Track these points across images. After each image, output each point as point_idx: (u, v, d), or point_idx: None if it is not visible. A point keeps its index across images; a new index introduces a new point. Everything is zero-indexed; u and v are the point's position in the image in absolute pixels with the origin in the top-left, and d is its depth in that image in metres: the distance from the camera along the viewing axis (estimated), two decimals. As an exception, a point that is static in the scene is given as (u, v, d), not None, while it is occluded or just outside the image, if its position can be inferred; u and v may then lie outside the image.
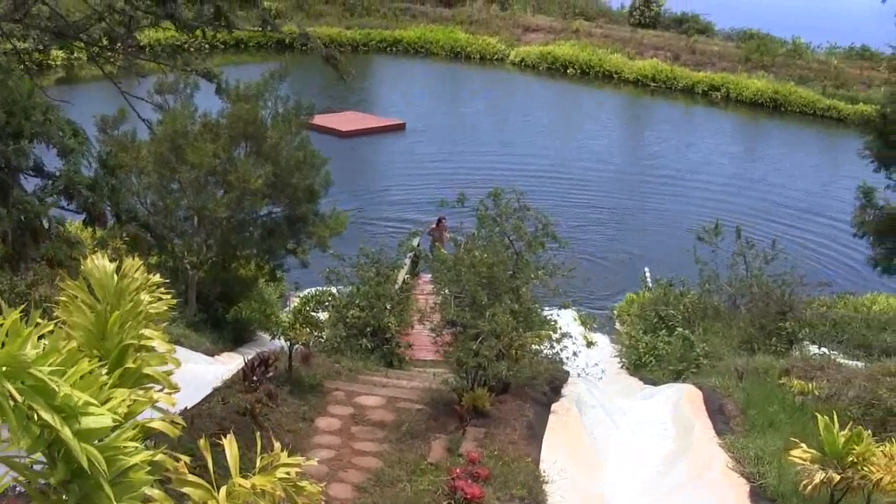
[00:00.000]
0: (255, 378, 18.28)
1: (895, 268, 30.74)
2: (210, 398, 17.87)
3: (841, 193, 48.78)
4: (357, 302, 25.62)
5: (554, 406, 19.95)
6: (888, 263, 30.79)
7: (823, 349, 25.56)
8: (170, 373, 6.04)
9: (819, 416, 14.04)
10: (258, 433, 6.36)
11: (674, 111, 78.45)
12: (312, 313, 20.14)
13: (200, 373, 20.32)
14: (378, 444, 17.50)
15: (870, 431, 13.81)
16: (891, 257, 30.57)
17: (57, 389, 4.43)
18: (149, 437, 7.23)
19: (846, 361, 23.53)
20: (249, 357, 19.98)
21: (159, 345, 6.00)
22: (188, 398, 17.40)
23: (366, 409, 19.07)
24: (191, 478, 5.58)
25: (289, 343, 19.92)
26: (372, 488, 15.72)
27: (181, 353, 21.21)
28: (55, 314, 5.99)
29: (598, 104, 78.97)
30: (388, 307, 25.83)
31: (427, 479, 15.31)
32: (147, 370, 5.77)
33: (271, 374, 18.80)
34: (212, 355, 24.15)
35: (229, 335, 27.91)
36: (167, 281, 7.14)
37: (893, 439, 13.53)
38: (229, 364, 21.97)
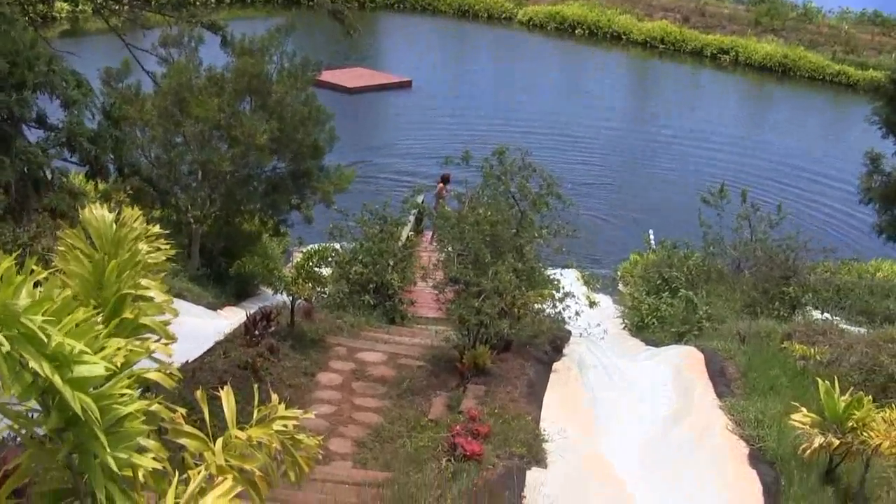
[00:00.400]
0: (256, 332, 18.30)
1: (901, 235, 30.68)
2: (211, 352, 17.91)
3: (848, 160, 48.52)
4: (360, 258, 25.56)
5: (555, 365, 19.97)
6: (894, 230, 30.70)
7: (826, 314, 25.55)
8: (167, 323, 6.01)
9: (820, 381, 14.04)
10: (256, 386, 6.32)
11: (682, 74, 78.17)
12: (315, 269, 20.08)
13: (202, 326, 20.34)
14: (379, 400, 17.54)
15: (870, 397, 13.81)
16: (896, 224, 30.51)
17: (48, 338, 4.41)
18: (150, 390, 7.23)
19: (849, 327, 23.51)
20: (252, 311, 20.01)
21: (157, 294, 5.97)
22: (190, 352, 17.43)
23: (367, 365, 19.10)
24: (187, 429, 5.57)
25: (291, 298, 19.92)
26: (372, 444, 15.77)
27: (183, 306, 21.34)
28: (53, 263, 5.97)
29: (605, 65, 78.69)
30: (391, 264, 25.77)
31: (427, 436, 15.35)
32: (144, 320, 5.74)
33: (273, 328, 18.82)
34: (214, 309, 24.17)
35: (232, 289, 27.93)
36: (167, 232, 7.09)
37: (893, 405, 13.51)
38: (231, 318, 22.01)
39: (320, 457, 6.36)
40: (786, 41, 78.67)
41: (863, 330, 23.06)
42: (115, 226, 6.04)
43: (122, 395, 4.80)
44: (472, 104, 61.93)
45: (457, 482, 13.00)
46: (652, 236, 36.62)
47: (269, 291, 25.08)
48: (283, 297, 20.85)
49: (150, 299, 5.95)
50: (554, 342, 21.05)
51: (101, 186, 23.86)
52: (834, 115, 68.61)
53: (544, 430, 15.82)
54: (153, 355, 5.69)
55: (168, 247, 6.46)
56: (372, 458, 15.27)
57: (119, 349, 4.98)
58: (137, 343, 5.53)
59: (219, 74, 27.51)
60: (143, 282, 5.94)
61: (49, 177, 17.15)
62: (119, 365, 4.94)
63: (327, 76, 53.20)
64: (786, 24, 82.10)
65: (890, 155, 30.82)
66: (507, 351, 19.40)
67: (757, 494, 13.79)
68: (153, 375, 5.47)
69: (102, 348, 4.84)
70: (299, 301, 20.16)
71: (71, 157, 17.72)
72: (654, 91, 73.39)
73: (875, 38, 78.91)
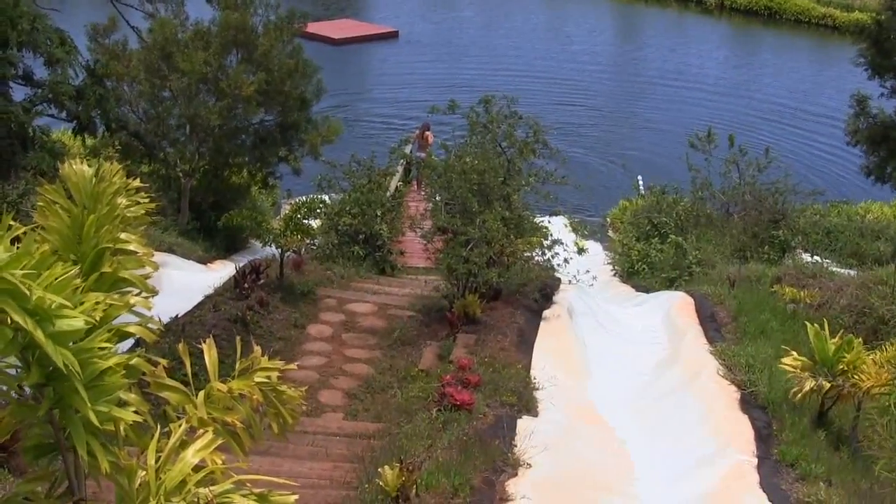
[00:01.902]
0: (246, 285, 18.31)
1: (888, 176, 30.61)
2: (201, 306, 17.92)
3: (834, 102, 48.49)
4: (349, 209, 25.55)
5: (545, 313, 19.96)
6: (881, 172, 30.64)
7: (816, 257, 25.55)
8: (147, 276, 5.99)
9: (809, 324, 14.06)
10: (238, 338, 6.31)
11: (667, 18, 77.86)
12: (304, 220, 20.06)
13: (192, 281, 20.34)
14: (369, 351, 17.58)
15: (860, 339, 13.84)
16: (884, 166, 30.39)
17: (29, 292, 4.39)
18: (139, 345, 7.22)
19: (839, 270, 23.52)
20: (241, 265, 20.01)
21: (137, 248, 5.94)
22: (180, 306, 17.44)
23: (357, 316, 19.12)
24: (169, 382, 5.55)
25: (280, 250, 19.91)
26: (363, 395, 15.82)
27: (173, 261, 21.33)
28: (34, 219, 5.94)
29: (591, 11, 78.32)
30: (379, 214, 25.74)
31: (418, 386, 15.40)
32: (123, 274, 5.71)
33: (263, 281, 18.83)
34: (204, 263, 24.18)
35: (222, 243, 27.94)
36: (155, 187, 7.07)
37: (884, 347, 13.54)
38: (221, 272, 21.98)
39: (305, 408, 6.35)
40: (772, -17, 78.32)
41: (853, 272, 23.08)
42: (94, 180, 6.00)
43: (102, 349, 4.79)
44: (458, 53, 61.90)
45: (447, 432, 13.01)
46: (641, 182, 36.60)
47: (259, 244, 25.09)
48: (273, 250, 20.85)
49: (131, 253, 5.92)
50: (544, 290, 21.03)
51: (89, 142, 23.83)
52: (820, 58, 68.40)
53: (535, 379, 15.82)
54: (134, 309, 5.66)
55: (149, 200, 6.40)
56: (363, 409, 15.32)
57: (98, 303, 4.96)
58: (117, 297, 5.51)
59: (205, 28, 27.45)
60: (123, 236, 5.90)
61: (32, 135, 17.10)
62: (98, 319, 4.92)
63: (313, 28, 52.81)
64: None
65: (876, 97, 30.75)
66: (496, 300, 19.39)
67: (749, 439, 13.80)
68: (133, 329, 5.46)
69: (81, 303, 4.82)
70: (288, 253, 20.15)
71: (58, 113, 17.68)
72: (640, 37, 73.16)
73: (860, -21, 78.65)
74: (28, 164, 16.99)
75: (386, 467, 10.28)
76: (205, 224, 28.05)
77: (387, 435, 13.35)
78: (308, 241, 20.93)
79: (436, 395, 14.40)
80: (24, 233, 4.94)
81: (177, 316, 16.61)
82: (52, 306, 4.49)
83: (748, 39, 73.63)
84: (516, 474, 12.19)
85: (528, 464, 12.46)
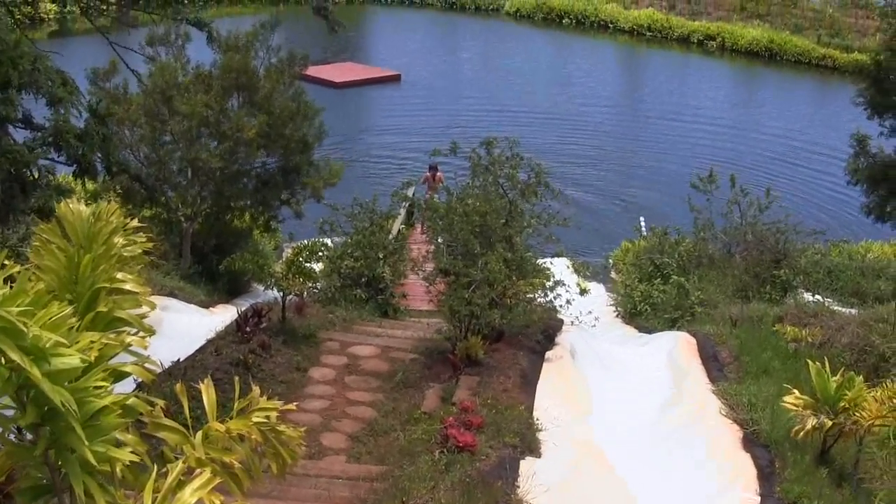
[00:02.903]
0: (248, 329, 18.30)
1: (889, 215, 30.66)
2: (203, 349, 17.92)
3: (835, 142, 48.54)
4: (351, 252, 25.55)
5: (548, 354, 19.96)
6: (881, 211, 30.70)
7: (818, 296, 25.53)
8: (144, 315, 5.98)
9: (811, 363, 14.05)
10: (237, 378, 6.29)
11: (669, 61, 78.11)
12: (306, 264, 20.06)
13: (194, 325, 20.37)
14: (372, 394, 17.53)
15: (862, 377, 13.83)
16: (884, 205, 30.47)
17: (26, 330, 4.38)
18: (141, 388, 7.20)
19: (840, 308, 23.49)
20: (243, 308, 20.00)
21: (133, 287, 5.93)
22: (182, 350, 17.46)
23: (360, 359, 19.09)
24: (166, 422, 5.54)
25: (282, 294, 19.91)
26: (366, 437, 15.77)
27: (175, 305, 21.34)
28: (30, 259, 5.94)
29: (593, 54, 78.64)
30: (381, 257, 25.73)
31: (420, 428, 15.36)
32: (119, 313, 5.70)
33: (265, 324, 18.82)
34: (206, 307, 24.17)
35: (224, 287, 27.94)
36: (146, 226, 7.05)
37: (885, 384, 13.51)
38: (223, 316, 21.98)
39: (306, 450, 6.33)
40: (771, 26, 78.66)
41: (854, 311, 23.06)
42: (91, 219, 6.01)
43: (98, 387, 4.78)
44: (461, 96, 62.07)
45: (450, 473, 13.00)
46: (643, 223, 36.61)
47: (261, 288, 25.09)
48: (275, 294, 20.86)
49: (128, 292, 5.92)
50: (546, 331, 21.04)
51: (90, 186, 23.83)
52: (821, 98, 68.59)
53: (538, 420, 15.83)
54: (132, 349, 5.65)
55: (147, 241, 6.39)
56: (366, 452, 15.27)
57: (94, 342, 4.95)
58: (113, 336, 5.50)
59: (206, 71, 27.55)
60: (120, 275, 5.89)
61: (35, 175, 17.08)
62: (94, 358, 4.91)
63: (315, 71, 53.24)
64: (770, 9, 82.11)
65: (875, 136, 30.84)
66: (499, 341, 19.38)
67: (752, 477, 13.80)
68: (130, 368, 5.45)
69: (77, 342, 4.81)
70: (290, 297, 20.15)
71: (58, 156, 17.66)
72: (642, 78, 73.41)
73: (859, 20, 78.95)
74: (32, 206, 16.96)
75: (388, 509, 10.25)
76: (207, 268, 28.05)
77: (390, 477, 13.32)
78: (310, 285, 20.93)
79: (438, 437, 14.39)
80: (19, 272, 4.93)
81: (178, 360, 16.61)
82: (48, 345, 4.49)
83: (750, 80, 73.82)
84: (519, 515, 12.17)
85: (531, 504, 12.44)
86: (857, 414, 12.95)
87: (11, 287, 4.63)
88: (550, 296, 20.87)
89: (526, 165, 22.08)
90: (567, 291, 21.43)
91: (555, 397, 17.41)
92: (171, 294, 22.80)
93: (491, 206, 19.93)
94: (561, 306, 21.50)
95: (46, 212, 16.44)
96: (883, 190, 30.06)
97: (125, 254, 6.06)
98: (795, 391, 13.94)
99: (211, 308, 24.31)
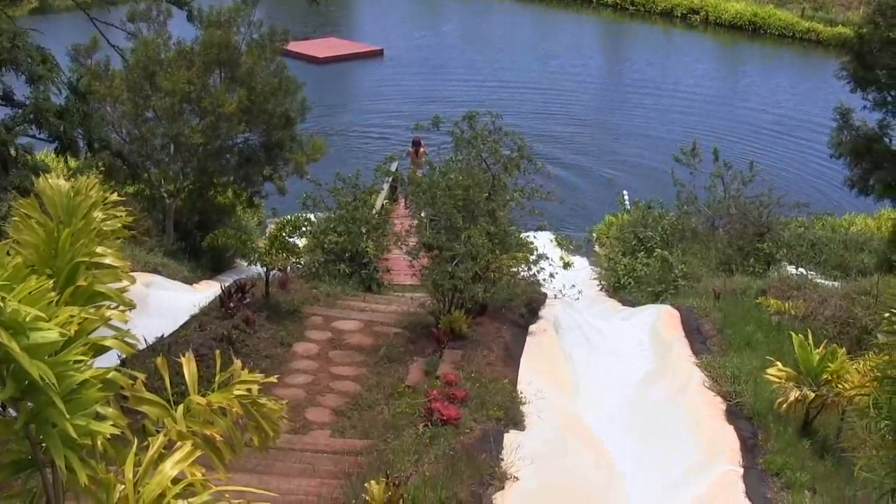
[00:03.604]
0: (232, 305, 18.29)
1: (871, 188, 30.71)
2: (187, 325, 17.91)
3: (818, 116, 48.58)
4: (334, 227, 25.51)
5: (531, 328, 19.98)
6: (864, 184, 30.75)
7: (801, 269, 25.59)
8: (124, 290, 5.96)
9: (794, 335, 14.10)
10: (217, 352, 6.28)
11: (653, 34, 78.02)
12: (289, 239, 20.02)
13: (178, 301, 20.32)
14: (356, 368, 17.54)
15: (844, 349, 13.89)
16: (867, 178, 30.52)
17: (3, 304, 4.37)
18: (125, 364, 7.19)
19: (823, 281, 23.56)
20: (227, 284, 19.98)
21: (113, 261, 5.91)
22: (166, 326, 17.45)
23: (344, 334, 19.08)
24: (147, 395, 5.53)
25: (265, 269, 19.88)
26: (350, 412, 15.78)
27: (159, 281, 21.32)
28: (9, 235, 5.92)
29: (576, 28, 78.55)
30: (364, 232, 25.70)
31: (405, 402, 15.38)
32: (100, 287, 5.69)
33: (249, 300, 18.81)
34: (190, 283, 24.11)
35: (208, 263, 27.90)
36: (126, 200, 7.03)
37: (867, 356, 13.56)
38: (207, 292, 21.94)
39: (289, 423, 6.34)
40: (755, -1, 78.67)
41: (837, 284, 23.12)
42: (70, 194, 5.98)
43: (78, 362, 4.77)
44: (442, 69, 62.06)
45: (434, 447, 13.02)
46: (626, 197, 36.65)
47: (245, 264, 25.06)
48: (259, 269, 20.83)
49: (107, 266, 5.90)
50: (530, 305, 21.07)
51: (72, 163, 23.75)
52: (804, 72, 68.62)
53: (521, 393, 15.85)
54: (112, 323, 5.64)
55: (128, 215, 6.37)
56: (350, 426, 15.27)
57: (73, 317, 4.95)
58: (93, 311, 5.48)
59: (188, 47, 27.45)
60: (99, 249, 5.87)
61: (13, 154, 17.01)
62: (74, 332, 4.90)
63: (297, 47, 53.07)
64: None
65: (858, 109, 30.88)
66: (482, 315, 19.39)
67: (735, 449, 13.84)
68: (110, 342, 5.43)
69: (56, 316, 4.80)
70: (274, 272, 20.13)
71: (39, 133, 17.59)
72: (625, 52, 73.36)
73: (843, -6, 78.97)
74: (10, 184, 16.88)
75: (372, 482, 10.26)
76: (190, 244, 28.02)
77: (374, 451, 13.33)
78: (294, 260, 20.90)
79: (423, 410, 14.42)
80: (-3, 247, 4.93)
81: (162, 336, 16.59)
82: (27, 319, 4.48)
83: (733, 54, 73.83)
84: (503, 487, 12.20)
85: (515, 477, 12.47)
86: (839, 386, 13.01)
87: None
88: (534, 269, 20.88)
89: (508, 139, 22.05)
90: (550, 265, 21.48)
91: (538, 371, 17.42)
92: (155, 271, 22.75)
93: (474, 180, 19.89)
94: (544, 280, 21.54)
95: (23, 190, 16.39)
96: (866, 163, 30.11)
97: (105, 228, 6.04)
98: (778, 363, 14.00)
99: (195, 284, 24.26)
